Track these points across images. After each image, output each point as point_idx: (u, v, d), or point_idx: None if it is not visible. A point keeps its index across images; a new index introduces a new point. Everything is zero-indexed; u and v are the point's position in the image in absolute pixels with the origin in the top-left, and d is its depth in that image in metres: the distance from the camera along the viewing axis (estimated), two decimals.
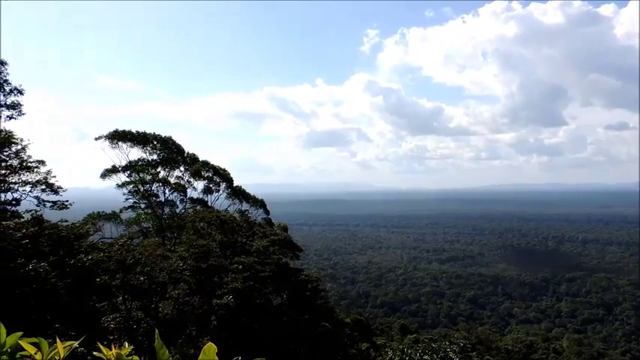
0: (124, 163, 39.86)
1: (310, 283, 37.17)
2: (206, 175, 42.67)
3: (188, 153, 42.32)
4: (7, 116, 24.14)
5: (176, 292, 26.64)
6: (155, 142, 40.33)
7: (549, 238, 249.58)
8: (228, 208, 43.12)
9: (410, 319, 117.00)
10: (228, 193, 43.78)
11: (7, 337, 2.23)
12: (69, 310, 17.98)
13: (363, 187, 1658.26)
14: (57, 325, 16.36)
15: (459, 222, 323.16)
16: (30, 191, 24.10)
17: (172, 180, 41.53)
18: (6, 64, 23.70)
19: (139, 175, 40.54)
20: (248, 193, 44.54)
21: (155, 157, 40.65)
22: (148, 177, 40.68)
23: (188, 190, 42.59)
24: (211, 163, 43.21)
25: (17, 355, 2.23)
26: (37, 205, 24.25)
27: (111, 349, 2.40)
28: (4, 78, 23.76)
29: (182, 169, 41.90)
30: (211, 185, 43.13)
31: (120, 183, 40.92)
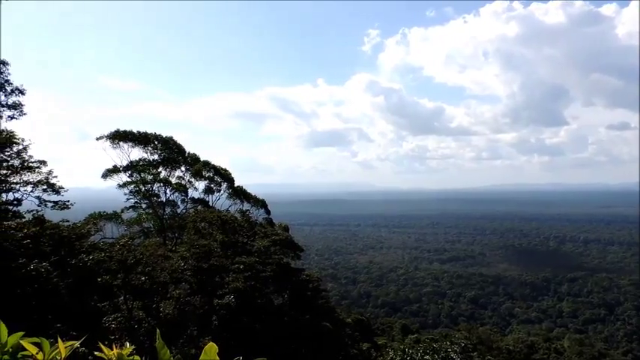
0: (125, 163, 39.93)
1: (311, 283, 37.20)
2: (207, 175, 42.70)
3: (189, 153, 42.36)
4: (9, 116, 24.19)
5: (177, 292, 26.66)
6: (156, 142, 40.36)
7: (551, 238, 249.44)
8: (230, 208, 43.13)
9: (411, 319, 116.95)
10: (229, 193, 43.80)
11: (8, 336, 2.24)
12: (70, 310, 18.01)
13: (364, 187, 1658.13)
14: (58, 325, 16.38)
15: (460, 222, 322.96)
16: (31, 191, 24.14)
17: (173, 180, 41.56)
18: (7, 64, 23.75)
19: (140, 175, 40.57)
20: (249, 193, 44.55)
21: (156, 157, 40.69)
22: (149, 177, 40.72)
23: (189, 190, 42.65)
24: (212, 163, 43.28)
25: (19, 355, 2.23)
26: (39, 205, 24.29)
27: (112, 349, 2.40)
28: (6, 78, 23.80)
29: (183, 169, 41.95)
30: (212, 185, 43.16)
31: (121, 183, 40.96)
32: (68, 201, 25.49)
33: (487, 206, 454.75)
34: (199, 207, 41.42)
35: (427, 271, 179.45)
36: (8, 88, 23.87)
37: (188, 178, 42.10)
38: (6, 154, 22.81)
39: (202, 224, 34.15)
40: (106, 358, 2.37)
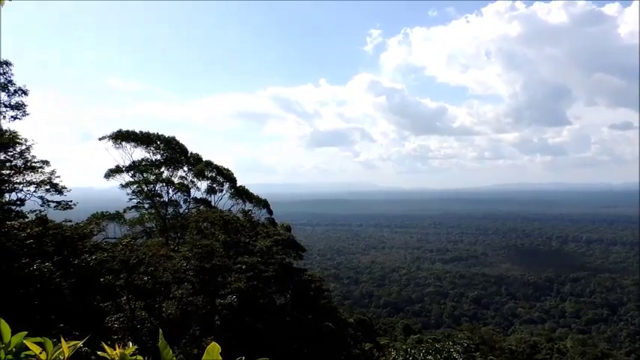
0: (127, 163, 40.01)
1: (313, 283, 37.18)
2: (209, 175, 42.74)
3: (191, 153, 42.41)
4: (12, 116, 24.23)
5: (180, 292, 26.71)
6: (158, 142, 40.42)
7: (553, 238, 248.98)
8: (232, 208, 43.15)
9: (413, 319, 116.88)
10: (231, 193, 43.82)
11: (12, 336, 2.24)
12: (73, 310, 18.04)
13: (367, 187, 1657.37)
14: (61, 325, 16.41)
15: (462, 222, 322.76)
16: (34, 191, 24.18)
17: (176, 180, 41.60)
18: (10, 64, 23.79)
19: (142, 175, 40.63)
20: (251, 193, 44.57)
21: (159, 157, 40.75)
22: (152, 177, 40.76)
23: (191, 190, 42.66)
24: (215, 163, 43.29)
25: (22, 355, 2.24)
26: (42, 205, 24.33)
27: (115, 349, 2.40)
28: (9, 78, 23.85)
29: (185, 169, 42.00)
30: (215, 185, 43.19)
31: (124, 183, 41.02)
32: (71, 201, 25.52)
33: (489, 206, 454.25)
34: (202, 207, 41.44)
35: (429, 271, 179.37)
36: (11, 89, 23.92)
37: (190, 178, 42.15)
38: (9, 154, 22.86)
39: (205, 224, 34.19)
40: (108, 357, 2.38)
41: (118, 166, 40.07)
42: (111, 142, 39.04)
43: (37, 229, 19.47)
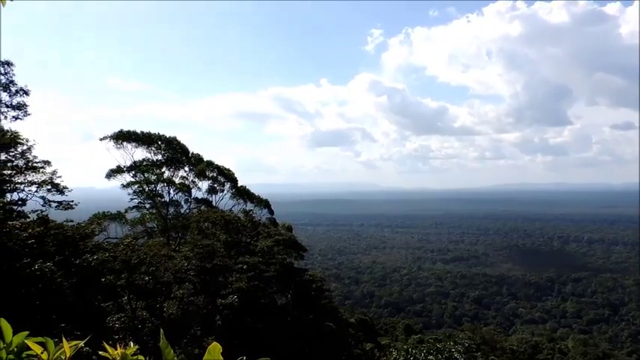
0: (128, 164, 40.03)
1: (315, 283, 37.17)
2: (210, 175, 42.76)
3: (192, 153, 42.43)
4: (13, 117, 24.26)
5: (181, 291, 26.72)
6: (160, 143, 40.46)
7: (554, 238, 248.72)
8: (233, 208, 43.17)
9: (414, 319, 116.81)
10: (232, 193, 43.84)
11: (13, 336, 2.25)
12: (74, 310, 18.07)
13: (368, 187, 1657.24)
14: (63, 325, 16.43)
15: (463, 222, 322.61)
16: (36, 191, 24.22)
17: (177, 180, 41.63)
18: (12, 64, 23.82)
19: (143, 175, 40.66)
20: (252, 193, 44.58)
21: (160, 157, 40.79)
22: (153, 177, 40.80)
23: (193, 190, 42.68)
24: (216, 163, 43.31)
25: (24, 355, 2.24)
26: (43, 205, 24.36)
27: (116, 349, 2.41)
28: (10, 79, 23.87)
29: (187, 169, 42.02)
30: (216, 185, 43.21)
31: (125, 183, 41.04)
32: (72, 201, 25.56)
33: (490, 206, 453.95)
34: (203, 207, 41.46)
35: (430, 271, 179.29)
36: (13, 89, 23.95)
37: (191, 178, 42.17)
38: (11, 154, 22.90)
39: (206, 224, 34.21)
40: (110, 357, 2.38)
41: (119, 166, 40.11)
42: (112, 143, 39.11)
43: (38, 229, 19.50)
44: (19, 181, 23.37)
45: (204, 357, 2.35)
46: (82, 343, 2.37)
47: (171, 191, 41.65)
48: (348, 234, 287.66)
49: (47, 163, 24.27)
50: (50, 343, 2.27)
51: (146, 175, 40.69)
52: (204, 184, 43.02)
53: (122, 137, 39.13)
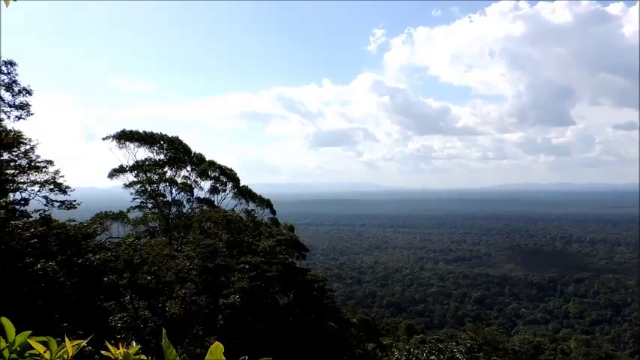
0: (131, 163, 40.13)
1: (317, 283, 37.17)
2: (213, 174, 42.80)
3: (195, 153, 42.49)
4: (16, 116, 24.31)
5: (183, 291, 26.77)
6: (162, 142, 40.53)
7: (557, 239, 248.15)
8: (235, 208, 43.22)
9: (416, 319, 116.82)
10: (234, 193, 43.87)
11: (16, 335, 2.25)
12: (77, 309, 18.11)
13: (370, 187, 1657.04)
14: (65, 324, 16.47)
15: (465, 222, 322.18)
16: (38, 191, 24.28)
17: (179, 180, 41.70)
18: (15, 64, 23.87)
19: (146, 174, 40.73)
20: (254, 193, 44.61)
21: (162, 157, 40.86)
22: (155, 177, 40.87)
23: (195, 190, 42.76)
24: (218, 162, 43.36)
25: (26, 354, 2.24)
26: (46, 205, 24.41)
27: (118, 348, 2.41)
28: (13, 78, 23.93)
29: (189, 168, 42.08)
30: (218, 185, 43.25)
31: (127, 183, 41.13)
32: (75, 200, 25.61)
33: (493, 206, 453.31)
34: (205, 207, 41.52)
35: (433, 271, 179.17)
36: (15, 89, 23.99)
37: (194, 177, 42.23)
38: (13, 154, 22.96)
39: (208, 224, 34.25)
40: (112, 357, 2.38)
41: (121, 166, 40.20)
42: (114, 142, 39.21)
43: (41, 228, 19.54)
44: (22, 180, 23.43)
45: (207, 356, 2.35)
46: (84, 343, 2.37)
47: (174, 191, 41.73)
48: (350, 234, 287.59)
49: (50, 162, 24.34)
50: (53, 342, 2.28)
51: (148, 175, 40.77)
52: (207, 184, 43.13)
53: (125, 137, 39.21)
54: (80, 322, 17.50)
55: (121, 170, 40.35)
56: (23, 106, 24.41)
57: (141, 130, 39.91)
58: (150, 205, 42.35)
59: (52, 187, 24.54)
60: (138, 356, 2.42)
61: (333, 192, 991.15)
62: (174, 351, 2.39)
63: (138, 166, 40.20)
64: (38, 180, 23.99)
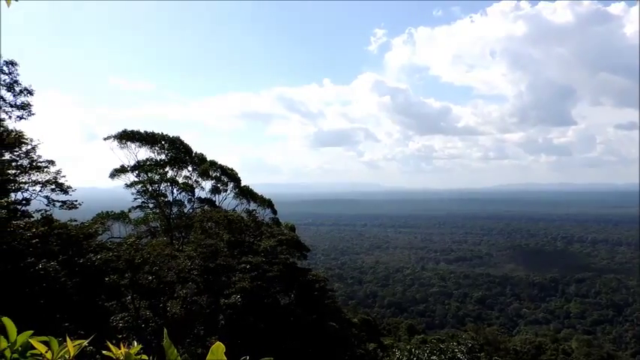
0: (132, 163, 40.14)
1: (318, 283, 37.16)
2: (214, 174, 42.81)
3: (196, 153, 42.50)
4: (18, 116, 24.35)
5: (184, 291, 26.78)
6: (163, 142, 40.55)
7: (558, 239, 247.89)
8: (236, 208, 43.23)
9: (417, 319, 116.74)
10: (235, 193, 43.89)
11: (17, 335, 2.25)
12: (78, 309, 18.12)
13: (371, 187, 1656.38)
14: (66, 324, 16.48)
15: (466, 222, 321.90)
16: (40, 191, 24.32)
17: (180, 180, 41.72)
18: (16, 64, 23.90)
19: (147, 174, 40.75)
20: (255, 193, 44.62)
21: (163, 156, 40.87)
22: (156, 177, 40.89)
23: (196, 190, 42.77)
24: (219, 162, 43.38)
25: (28, 354, 2.24)
26: (47, 205, 24.46)
27: (120, 348, 2.41)
28: (15, 78, 23.95)
29: (190, 168, 42.09)
30: (219, 185, 43.26)
31: (128, 183, 41.16)
32: (76, 200, 25.65)
33: (494, 206, 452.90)
34: (206, 207, 41.54)
35: (434, 271, 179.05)
36: (17, 89, 24.03)
37: (195, 177, 42.24)
38: (15, 154, 22.99)
39: (209, 224, 34.28)
40: (113, 357, 2.38)
41: (122, 166, 40.22)
42: (116, 142, 39.22)
43: (42, 228, 19.56)
44: (24, 180, 23.46)
45: (208, 356, 2.35)
46: (85, 342, 2.37)
47: (175, 191, 41.75)
48: (351, 234, 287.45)
49: (51, 162, 24.38)
50: (54, 342, 2.28)
51: (149, 175, 40.79)
52: (208, 184, 43.14)
53: (126, 137, 39.23)
54: (81, 322, 17.51)
55: (122, 170, 40.38)
56: (25, 106, 24.46)
57: (142, 130, 39.95)
58: (151, 205, 42.38)
59: (53, 187, 24.58)
60: (139, 356, 2.43)
61: (333, 192, 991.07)
62: (175, 351, 2.39)
63: (139, 166, 40.22)
64: (40, 180, 24.03)
